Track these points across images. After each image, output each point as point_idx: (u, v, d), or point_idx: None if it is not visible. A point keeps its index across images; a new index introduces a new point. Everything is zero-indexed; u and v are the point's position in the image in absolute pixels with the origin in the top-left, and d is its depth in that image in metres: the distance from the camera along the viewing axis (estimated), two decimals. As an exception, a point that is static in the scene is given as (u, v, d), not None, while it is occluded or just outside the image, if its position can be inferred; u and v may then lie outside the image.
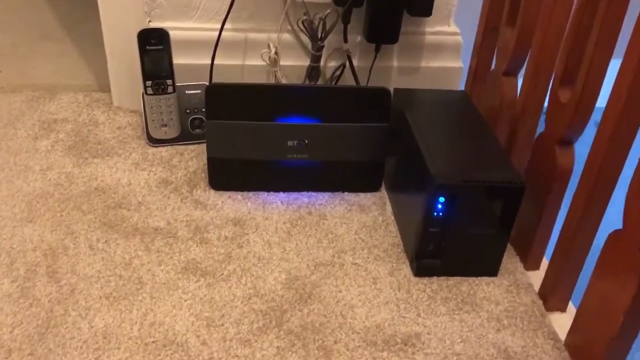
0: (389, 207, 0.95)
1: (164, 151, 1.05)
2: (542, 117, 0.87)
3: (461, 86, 1.18)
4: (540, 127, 0.86)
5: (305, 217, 0.91)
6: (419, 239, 0.80)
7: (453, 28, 1.14)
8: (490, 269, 0.83)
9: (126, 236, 0.86)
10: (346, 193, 0.97)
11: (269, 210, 0.92)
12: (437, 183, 0.76)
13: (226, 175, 0.95)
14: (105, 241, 0.85)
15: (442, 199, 0.77)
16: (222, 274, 0.81)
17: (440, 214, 0.78)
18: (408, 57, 1.14)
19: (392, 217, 0.93)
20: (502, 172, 0.78)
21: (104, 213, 0.89)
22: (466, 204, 0.77)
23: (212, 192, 0.95)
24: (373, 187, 0.98)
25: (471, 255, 0.82)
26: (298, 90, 0.92)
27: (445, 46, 1.14)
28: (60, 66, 1.26)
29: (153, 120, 1.04)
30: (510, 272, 0.85)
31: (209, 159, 0.93)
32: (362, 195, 0.97)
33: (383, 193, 0.98)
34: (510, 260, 0.87)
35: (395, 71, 1.14)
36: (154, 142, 1.06)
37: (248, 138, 0.91)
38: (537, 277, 0.85)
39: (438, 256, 0.81)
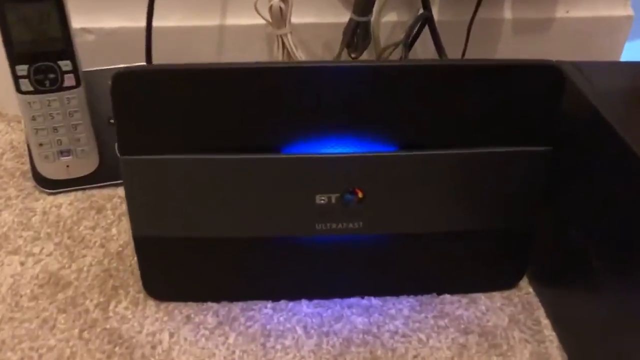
0: (549, 331, 0.42)
1: (66, 204, 0.53)
2: None
3: (631, 52, 0.64)
4: None
5: (362, 374, 0.39)
6: None
7: (621, -61, 0.60)
8: None
9: None
10: (447, 297, 0.44)
11: (279, 356, 0.40)
12: None
13: (178, 271, 0.43)
14: None
15: None
16: None
17: None
18: (533, 2, 0.60)
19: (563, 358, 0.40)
20: None
21: None
22: None
23: (151, 306, 0.43)
24: (506, 282, 0.45)
25: None
26: (340, 76, 0.37)
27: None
28: None
29: (41, 145, 0.52)
30: None
31: (136, 241, 0.41)
32: (483, 300, 0.44)
33: (526, 291, 0.45)
34: None
35: (507, 28, 0.61)
36: (49, 185, 0.54)
37: (220, 192, 0.39)
38: None
39: None
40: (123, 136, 0.37)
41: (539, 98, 0.37)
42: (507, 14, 0.60)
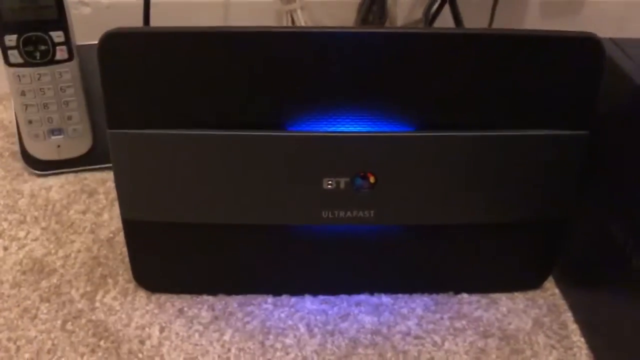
0: (577, 337, 0.38)
1: (56, 187, 0.49)
2: None
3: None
4: None
5: (371, 379, 0.35)
6: None
7: None
8: None
9: None
10: (465, 297, 0.40)
11: (278, 356, 0.36)
12: None
13: (171, 260, 0.39)
14: None
15: None
16: None
17: None
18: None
19: (595, 372, 0.36)
20: None
21: None
22: None
23: (141, 297, 0.40)
24: (530, 281, 0.41)
25: None
26: (348, 45, 0.33)
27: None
28: None
29: (30, 122, 0.48)
30: None
31: (125, 224, 0.37)
32: (504, 301, 0.40)
33: (551, 293, 0.41)
34: None
35: (534, 9, 0.57)
36: (38, 166, 0.50)
37: (219, 172, 0.35)
38: None
39: None
40: (111, 107, 0.34)
41: (577, 74, 0.33)
42: (534, -6, 0.57)
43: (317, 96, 0.34)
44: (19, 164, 0.51)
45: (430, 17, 0.51)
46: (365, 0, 0.51)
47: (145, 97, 0.33)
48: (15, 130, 0.54)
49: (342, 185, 0.35)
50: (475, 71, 0.33)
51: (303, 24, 0.52)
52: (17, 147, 0.52)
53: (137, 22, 0.52)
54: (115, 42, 0.32)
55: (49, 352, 0.36)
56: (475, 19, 0.53)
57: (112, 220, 0.46)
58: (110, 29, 0.32)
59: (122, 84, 0.33)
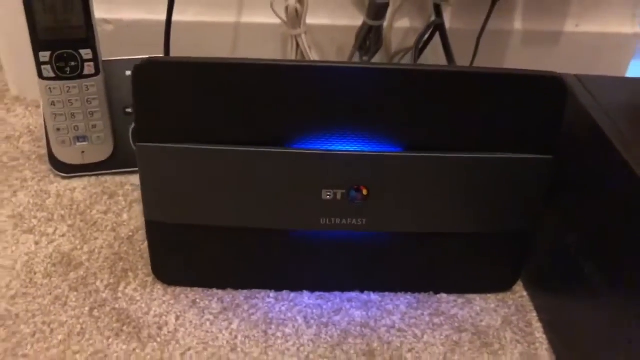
0: (540, 334, 0.44)
1: (79, 189, 0.54)
2: None
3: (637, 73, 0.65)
4: None
5: (359, 365, 0.41)
6: None
7: (631, -42, 0.61)
8: None
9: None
10: (443, 297, 0.46)
11: (279, 344, 0.42)
12: None
13: (188, 257, 0.44)
14: None
15: None
16: None
17: None
18: (543, 15, 0.61)
19: (553, 364, 0.42)
20: None
21: None
22: None
23: (159, 289, 0.45)
24: (501, 284, 0.47)
25: None
26: (347, 76, 0.39)
27: (613, -6, 0.62)
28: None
29: (58, 130, 0.54)
30: None
31: (148, 225, 0.43)
32: (478, 301, 0.46)
33: (520, 295, 0.47)
34: None
35: (516, 39, 0.62)
36: (64, 169, 0.55)
37: (230, 182, 0.40)
38: None
39: None
40: (140, 123, 0.39)
41: (542, 108, 0.39)
42: (517, 25, 0.62)
43: (318, 119, 0.39)
44: (45, 167, 0.56)
45: (421, 45, 0.57)
46: (363, 27, 0.56)
47: (170, 116, 0.39)
48: (40, 135, 0.59)
49: (338, 196, 0.41)
50: (455, 102, 0.39)
51: (307, 47, 0.57)
52: (43, 151, 0.57)
53: (154, 39, 0.57)
54: (148, 69, 0.37)
55: (78, 334, 0.41)
56: (463, 46, 0.58)
57: (130, 220, 0.51)
58: (144, 58, 0.37)
59: (151, 104, 0.38)
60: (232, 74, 0.38)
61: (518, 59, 0.63)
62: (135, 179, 0.55)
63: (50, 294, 0.44)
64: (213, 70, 0.38)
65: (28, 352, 0.40)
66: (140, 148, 0.39)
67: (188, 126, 0.39)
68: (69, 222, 0.51)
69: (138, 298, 0.44)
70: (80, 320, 0.42)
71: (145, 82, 0.38)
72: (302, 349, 0.41)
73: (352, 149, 0.40)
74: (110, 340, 0.41)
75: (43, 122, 0.54)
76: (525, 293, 0.47)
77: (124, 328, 0.42)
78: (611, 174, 0.37)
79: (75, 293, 0.44)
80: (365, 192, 0.41)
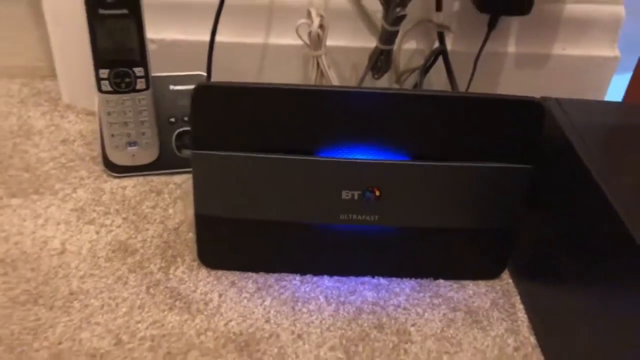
0: (522, 314, 0.52)
1: (129, 187, 0.63)
2: None
3: (617, 89, 0.73)
4: None
5: (370, 336, 0.49)
6: None
7: (611, -9, 0.70)
8: None
9: (34, 372, 0.45)
10: (441, 282, 0.54)
11: (305, 318, 0.50)
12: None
13: (229, 245, 0.53)
14: (-8, 383, 0.44)
15: None
16: None
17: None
18: (534, 39, 0.70)
19: (532, 337, 0.50)
20: None
21: (5, 315, 0.49)
22: None
23: (203, 272, 0.54)
24: (491, 272, 0.55)
25: None
26: (363, 99, 0.48)
27: (596, 23, 0.70)
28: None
29: (113, 136, 0.62)
30: None
31: (197, 218, 0.52)
32: (471, 286, 0.54)
33: (506, 282, 0.55)
34: None
35: (510, 61, 0.71)
36: (115, 169, 0.64)
37: (269, 184, 0.49)
38: None
39: None
40: (196, 134, 0.48)
41: (524, 126, 0.47)
42: (511, 48, 0.70)
43: (341, 133, 0.48)
44: (98, 167, 0.65)
45: (426, 67, 0.65)
46: (375, 49, 0.65)
47: (221, 129, 0.47)
48: (91, 139, 0.68)
49: (355, 197, 0.49)
50: (452, 121, 0.47)
51: (326, 67, 0.66)
52: (94, 153, 0.66)
53: (192, 56, 0.65)
54: (203, 92, 0.46)
55: (139, 307, 0.50)
56: (463, 67, 0.67)
57: (175, 214, 0.60)
58: (201, 83, 0.46)
59: (205, 119, 0.47)
60: (271, 97, 0.47)
61: (512, 78, 0.72)
62: (178, 179, 0.64)
63: (113, 274, 0.53)
64: (255, 93, 0.47)
65: (99, 320, 0.49)
66: (195, 154, 0.48)
67: (235, 137, 0.48)
68: (123, 215, 0.59)
69: (186, 279, 0.53)
70: (140, 297, 0.51)
71: (201, 101, 0.46)
72: (323, 322, 0.50)
73: (367, 157, 0.48)
74: (165, 312, 0.50)
75: (95, 128, 0.63)
76: (510, 280, 0.55)
77: (176, 303, 0.51)
78: (579, 182, 0.45)
79: (134, 274, 0.53)
80: (377, 193, 0.49)
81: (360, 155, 0.48)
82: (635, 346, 0.38)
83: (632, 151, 0.49)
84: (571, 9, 0.69)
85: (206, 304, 0.51)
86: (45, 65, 0.81)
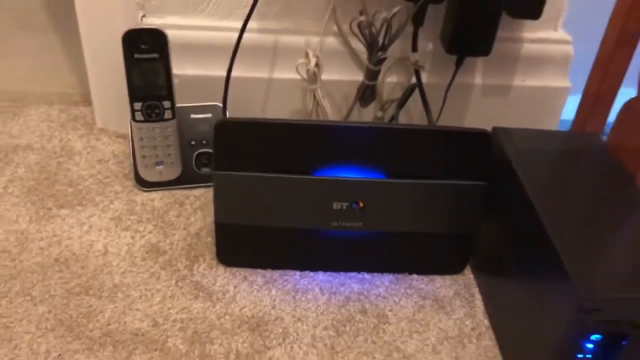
0: (479, 302, 0.65)
1: (157, 199, 0.75)
2: None
3: (566, 114, 0.86)
4: None
5: (355, 318, 0.61)
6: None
7: (562, 34, 0.82)
8: None
9: (90, 347, 0.57)
10: (414, 276, 0.67)
11: (304, 304, 0.63)
12: (592, 318, 0.45)
13: (242, 247, 0.65)
14: (59, 356, 0.56)
15: (596, 337, 0.46)
16: None
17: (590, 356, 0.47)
18: (497, 73, 0.83)
19: (486, 320, 0.62)
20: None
21: (63, 303, 0.61)
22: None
23: (221, 269, 0.66)
24: (454, 268, 0.68)
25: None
26: (349, 131, 0.60)
27: (549, 58, 0.82)
28: (35, 66, 0.96)
29: (144, 157, 0.75)
30: None
31: (217, 225, 0.64)
32: (438, 280, 0.67)
33: (468, 276, 0.68)
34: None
35: (477, 91, 0.83)
36: (145, 185, 0.76)
37: (274, 198, 0.62)
38: None
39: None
40: (217, 159, 0.60)
41: (476, 151, 0.60)
42: (478, 80, 0.83)
43: (332, 157, 0.60)
44: (129, 183, 0.77)
45: (403, 101, 0.78)
46: (362, 84, 0.77)
47: (237, 154, 0.60)
48: (122, 159, 0.80)
49: (344, 207, 0.62)
50: (418, 147, 0.60)
51: (321, 98, 0.78)
52: (126, 171, 0.78)
53: (209, 89, 0.77)
54: (224, 125, 0.59)
55: (170, 297, 0.62)
56: (436, 97, 0.79)
57: (196, 222, 0.72)
58: (222, 119, 0.59)
59: (225, 147, 0.60)
60: (277, 130, 0.59)
61: (479, 106, 0.84)
62: (197, 192, 0.77)
63: (147, 271, 0.65)
64: (264, 127, 0.59)
65: (139, 307, 0.61)
66: (215, 175, 0.61)
67: (248, 161, 0.60)
68: (153, 223, 0.72)
69: (207, 274, 0.65)
70: (170, 289, 0.63)
71: (222, 133, 0.59)
72: (318, 308, 0.62)
73: (353, 176, 0.61)
74: (191, 301, 0.62)
75: (124, 149, 0.75)
76: (471, 275, 0.68)
77: (200, 294, 0.63)
78: (518, 197, 0.58)
79: (164, 271, 0.65)
80: (362, 204, 0.62)
81: (348, 175, 0.61)
82: (552, 320, 0.50)
83: (564, 173, 0.61)
84: (529, 47, 0.82)
85: (224, 294, 0.63)
86: (78, 92, 0.93)
